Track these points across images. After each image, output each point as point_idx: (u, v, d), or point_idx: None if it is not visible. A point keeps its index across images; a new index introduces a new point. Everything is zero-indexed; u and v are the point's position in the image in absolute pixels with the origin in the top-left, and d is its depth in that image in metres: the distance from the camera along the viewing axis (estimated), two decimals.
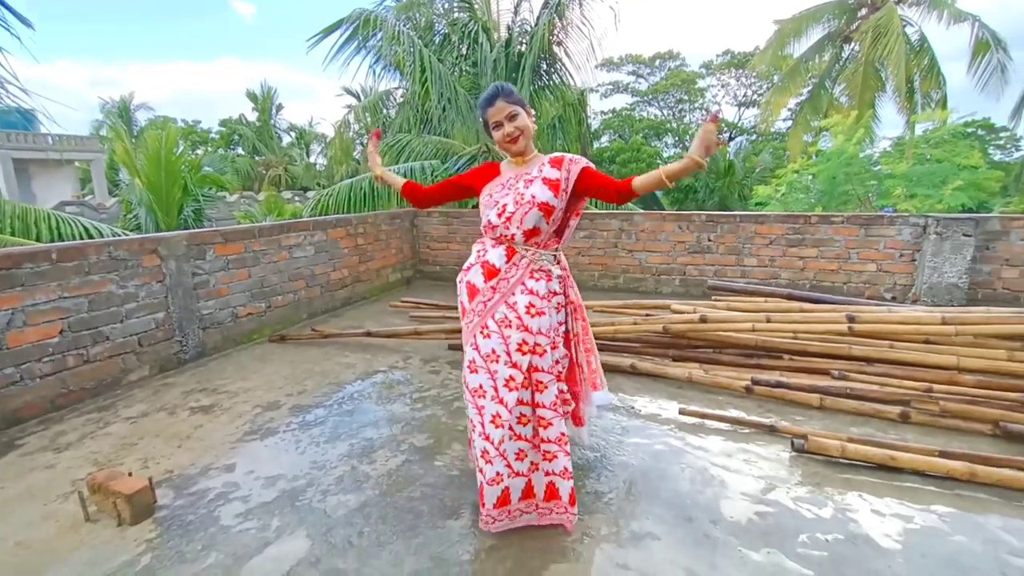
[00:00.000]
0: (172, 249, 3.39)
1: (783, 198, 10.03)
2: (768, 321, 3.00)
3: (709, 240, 4.97)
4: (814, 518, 1.83)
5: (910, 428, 2.41)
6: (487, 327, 1.70)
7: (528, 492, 1.74)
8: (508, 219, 1.73)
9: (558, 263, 1.82)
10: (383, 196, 6.65)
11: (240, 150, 28.73)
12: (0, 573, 1.64)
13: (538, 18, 7.28)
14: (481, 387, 1.68)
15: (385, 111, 11.68)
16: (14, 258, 2.66)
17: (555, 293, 1.78)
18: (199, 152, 25.91)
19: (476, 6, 7.63)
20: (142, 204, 8.01)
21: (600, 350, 2.51)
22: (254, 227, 4.07)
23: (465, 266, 1.85)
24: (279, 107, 29.38)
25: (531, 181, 1.74)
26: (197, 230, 3.81)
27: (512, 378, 1.65)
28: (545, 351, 1.69)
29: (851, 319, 2.83)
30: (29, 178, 18.40)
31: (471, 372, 1.72)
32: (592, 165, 1.75)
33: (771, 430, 2.39)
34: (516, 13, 7.77)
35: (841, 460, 2.13)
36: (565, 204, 1.75)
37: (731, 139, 22.62)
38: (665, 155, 22.00)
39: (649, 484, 2.05)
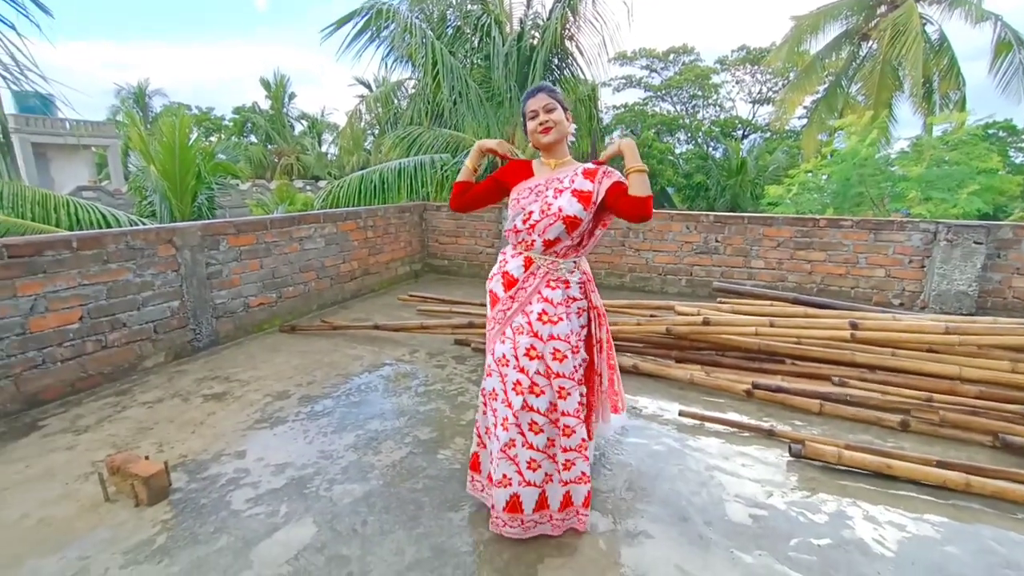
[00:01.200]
0: (187, 239, 3.47)
1: (795, 198, 9.93)
2: (771, 325, 3.02)
3: (716, 241, 4.97)
4: (807, 523, 1.87)
5: (909, 437, 2.43)
6: (504, 334, 1.74)
7: (542, 503, 1.73)
8: (532, 227, 1.72)
9: (578, 269, 1.80)
10: (393, 189, 6.70)
11: (253, 138, 28.89)
12: (25, 548, 1.73)
13: (550, 12, 7.25)
14: (494, 391, 1.73)
15: (396, 102, 11.71)
16: (36, 246, 2.75)
17: (574, 299, 1.76)
18: (212, 139, 26.10)
19: None
20: (157, 191, 8.14)
21: None
22: (266, 219, 4.14)
23: (490, 274, 1.88)
24: (292, 96, 29.45)
25: (561, 192, 1.71)
26: (211, 221, 3.89)
27: (519, 382, 1.67)
28: (565, 356, 1.67)
29: (854, 325, 2.84)
30: (47, 162, 18.68)
31: (487, 376, 1.77)
32: (624, 180, 1.69)
33: (769, 434, 2.42)
34: (528, 6, 7.75)
35: (838, 467, 2.16)
36: (593, 217, 1.72)
37: (744, 137, 22.37)
38: (678, 151, 21.80)
39: (646, 484, 2.10)
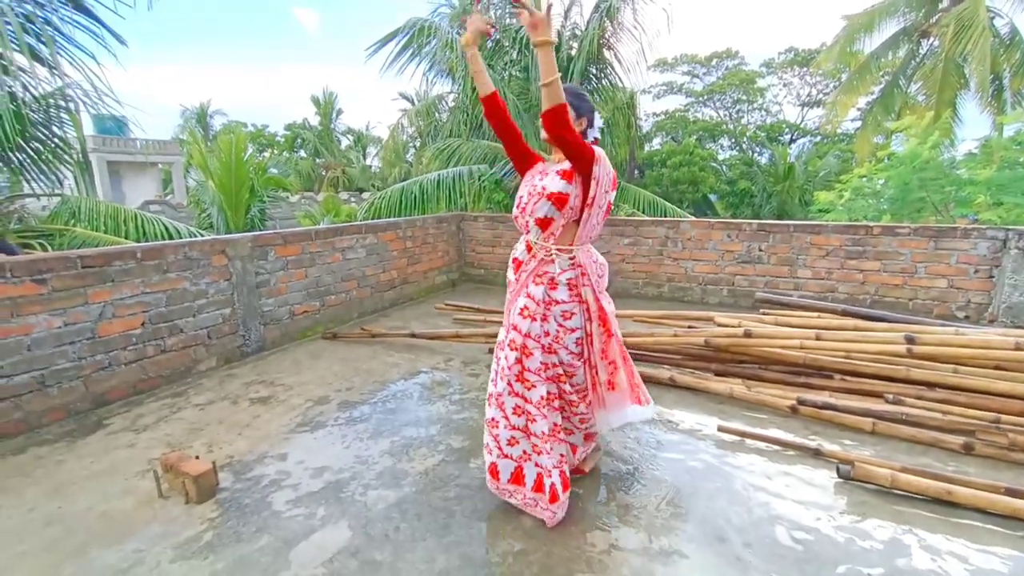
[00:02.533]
0: (238, 250, 3.67)
1: (848, 204, 9.43)
2: (818, 339, 2.88)
3: (760, 250, 4.79)
4: (857, 550, 1.75)
5: (973, 461, 2.25)
6: (504, 323, 1.95)
7: (517, 478, 1.91)
8: (523, 209, 1.89)
9: (574, 266, 1.83)
10: (432, 200, 6.85)
11: (303, 153, 30.31)
12: (90, 538, 1.86)
13: (588, 21, 7.26)
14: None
15: (437, 115, 12.01)
16: (106, 256, 2.98)
17: (557, 302, 1.82)
18: (265, 155, 27.57)
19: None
20: (214, 204, 8.68)
21: (637, 360, 2.51)
22: (311, 230, 4.33)
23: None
24: (339, 112, 30.75)
25: (546, 174, 1.87)
26: (260, 232, 4.10)
27: (500, 369, 1.89)
28: (531, 353, 1.83)
29: (910, 340, 2.67)
30: (120, 179, 20.29)
31: None
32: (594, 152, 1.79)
33: (816, 454, 2.30)
34: (566, 17, 7.80)
35: (892, 491, 2.03)
36: (580, 191, 1.78)
37: (792, 141, 21.52)
38: (721, 157, 21.19)
39: (682, 501, 2.04)
